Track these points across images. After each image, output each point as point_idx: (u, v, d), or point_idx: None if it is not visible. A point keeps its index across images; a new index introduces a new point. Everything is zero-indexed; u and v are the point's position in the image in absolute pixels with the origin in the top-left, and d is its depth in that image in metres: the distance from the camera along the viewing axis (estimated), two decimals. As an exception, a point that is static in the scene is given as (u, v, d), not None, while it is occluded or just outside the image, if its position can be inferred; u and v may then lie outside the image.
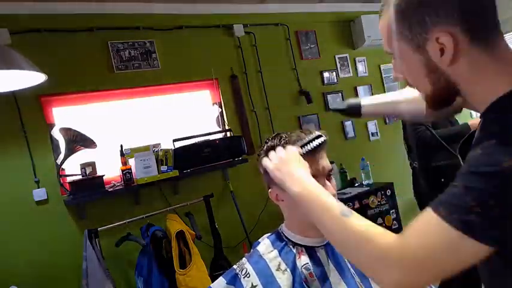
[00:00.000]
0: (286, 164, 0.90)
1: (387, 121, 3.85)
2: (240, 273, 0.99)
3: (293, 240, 1.03)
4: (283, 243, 1.03)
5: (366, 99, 1.02)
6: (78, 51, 2.54)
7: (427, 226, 0.63)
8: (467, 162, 0.63)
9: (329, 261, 1.00)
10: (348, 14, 3.70)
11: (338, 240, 0.77)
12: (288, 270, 0.97)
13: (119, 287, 2.42)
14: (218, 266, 2.53)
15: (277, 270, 0.97)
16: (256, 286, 0.95)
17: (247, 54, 3.18)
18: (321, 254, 1.01)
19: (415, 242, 0.64)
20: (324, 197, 0.81)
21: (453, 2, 0.64)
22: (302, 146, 0.97)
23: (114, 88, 2.66)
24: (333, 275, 0.97)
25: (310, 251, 1.01)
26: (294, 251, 1.01)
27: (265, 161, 0.96)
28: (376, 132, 3.75)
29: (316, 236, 1.03)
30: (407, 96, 0.98)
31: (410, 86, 0.78)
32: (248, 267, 0.99)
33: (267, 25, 3.30)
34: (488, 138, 0.62)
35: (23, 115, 2.34)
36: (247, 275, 0.97)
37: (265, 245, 1.05)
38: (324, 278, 0.96)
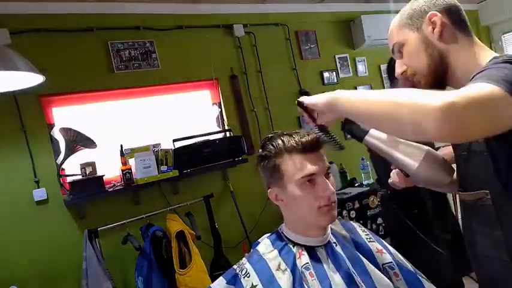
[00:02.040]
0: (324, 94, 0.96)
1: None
2: (240, 273, 0.99)
3: (293, 240, 1.03)
4: (283, 243, 1.04)
5: (377, 132, 0.99)
6: (78, 51, 2.54)
7: (481, 89, 0.71)
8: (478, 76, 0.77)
9: (329, 260, 1.00)
10: (348, 14, 3.70)
11: (395, 109, 0.75)
12: (288, 270, 0.97)
13: (119, 287, 2.42)
14: (218, 266, 2.53)
15: (277, 270, 0.97)
16: (256, 286, 0.95)
17: (247, 54, 3.18)
18: (321, 253, 1.01)
19: (470, 95, 0.69)
20: (371, 91, 0.91)
21: (439, 4, 0.95)
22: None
23: (114, 88, 2.66)
24: (333, 275, 0.97)
25: (310, 251, 1.01)
26: (294, 250, 1.01)
27: (304, 98, 1.01)
28: (376, 132, 3.75)
29: (316, 236, 1.03)
30: (429, 156, 0.96)
31: (410, 77, 0.98)
32: (248, 267, 0.99)
33: (267, 25, 3.30)
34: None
35: (23, 115, 2.34)
36: (247, 275, 0.97)
37: (265, 245, 1.05)
38: (324, 277, 0.96)
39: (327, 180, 0.99)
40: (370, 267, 1.01)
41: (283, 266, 0.98)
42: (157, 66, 2.78)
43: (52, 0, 2.44)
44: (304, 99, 1.00)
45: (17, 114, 2.33)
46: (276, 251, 1.02)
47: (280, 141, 1.01)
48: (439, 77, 0.94)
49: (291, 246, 1.02)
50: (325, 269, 0.98)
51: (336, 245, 1.05)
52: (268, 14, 3.29)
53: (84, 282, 2.11)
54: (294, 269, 0.97)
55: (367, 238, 1.12)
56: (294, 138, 1.00)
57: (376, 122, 0.83)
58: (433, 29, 0.92)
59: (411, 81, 0.99)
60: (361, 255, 1.04)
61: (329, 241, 1.05)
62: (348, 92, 0.89)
